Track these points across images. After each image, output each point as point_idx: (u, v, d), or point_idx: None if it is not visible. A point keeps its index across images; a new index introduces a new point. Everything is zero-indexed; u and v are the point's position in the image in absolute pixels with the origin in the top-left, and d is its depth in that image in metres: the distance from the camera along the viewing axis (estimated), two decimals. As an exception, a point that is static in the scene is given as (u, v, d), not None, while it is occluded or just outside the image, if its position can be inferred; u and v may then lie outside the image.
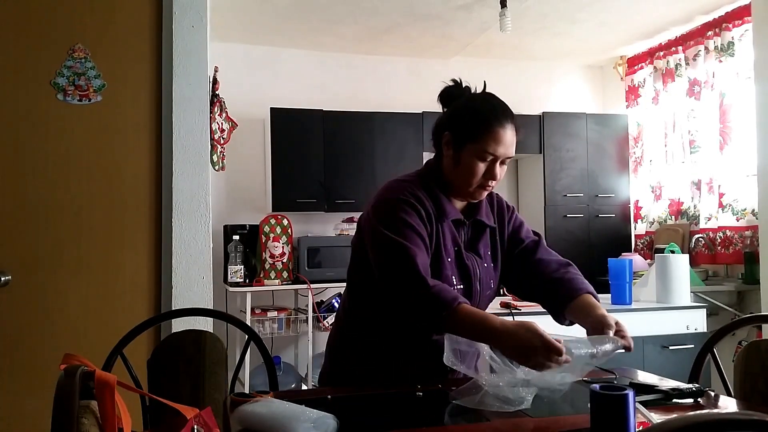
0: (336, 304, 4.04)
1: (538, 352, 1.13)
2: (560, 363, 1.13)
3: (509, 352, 1.17)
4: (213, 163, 2.43)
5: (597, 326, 1.32)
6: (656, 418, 1.07)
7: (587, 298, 1.46)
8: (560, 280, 1.48)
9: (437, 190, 1.46)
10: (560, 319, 1.49)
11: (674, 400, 1.24)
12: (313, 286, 3.91)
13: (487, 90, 1.51)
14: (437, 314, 1.25)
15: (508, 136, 1.41)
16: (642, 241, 4.68)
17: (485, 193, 1.46)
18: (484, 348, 1.19)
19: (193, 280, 2.20)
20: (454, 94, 1.50)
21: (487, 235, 1.53)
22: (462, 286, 1.44)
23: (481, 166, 1.40)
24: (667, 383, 1.33)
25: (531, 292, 1.55)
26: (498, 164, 1.42)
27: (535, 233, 1.61)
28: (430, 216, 1.41)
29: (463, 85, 1.51)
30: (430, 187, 1.46)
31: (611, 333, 1.28)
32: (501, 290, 2.99)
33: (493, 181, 1.43)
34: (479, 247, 1.50)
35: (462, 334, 1.23)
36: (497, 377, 1.16)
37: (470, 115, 1.43)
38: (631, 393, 0.87)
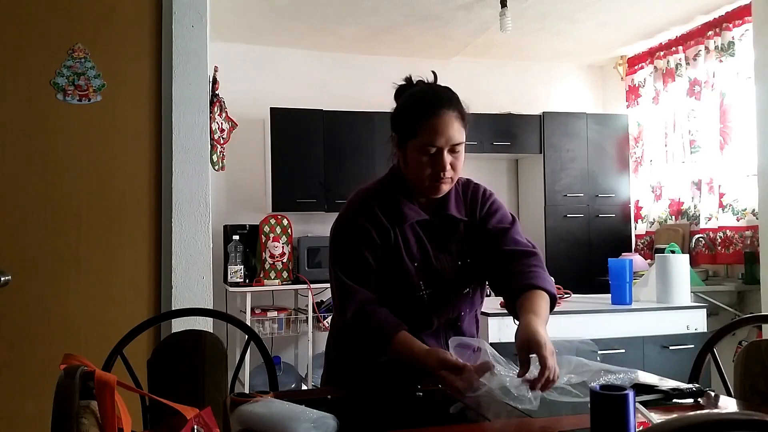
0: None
1: (439, 375, 1.20)
2: (464, 383, 1.16)
3: (432, 373, 1.23)
4: (213, 163, 2.43)
5: (523, 341, 1.19)
6: (656, 418, 1.07)
7: (531, 297, 1.33)
8: (514, 273, 1.39)
9: (399, 194, 1.44)
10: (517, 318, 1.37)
11: (674, 401, 1.24)
12: (313, 286, 3.91)
13: (434, 85, 1.45)
14: (380, 346, 1.33)
15: (446, 123, 1.35)
16: (642, 241, 4.68)
17: (444, 186, 1.40)
18: (486, 345, 1.19)
19: (193, 280, 2.20)
20: (404, 92, 1.47)
21: (461, 230, 1.47)
22: (431, 290, 1.42)
23: (426, 160, 1.37)
24: (667, 383, 1.33)
25: (495, 286, 1.49)
26: (446, 153, 1.36)
27: (513, 217, 1.53)
28: (384, 228, 1.41)
29: (414, 81, 1.47)
30: (391, 193, 1.45)
31: (530, 361, 1.16)
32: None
33: (445, 172, 1.37)
34: (451, 246, 1.46)
35: (397, 355, 1.32)
36: (496, 378, 1.16)
37: (404, 112, 1.42)
38: (631, 393, 0.87)
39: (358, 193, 1.49)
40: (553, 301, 1.38)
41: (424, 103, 1.38)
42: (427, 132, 1.35)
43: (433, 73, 1.49)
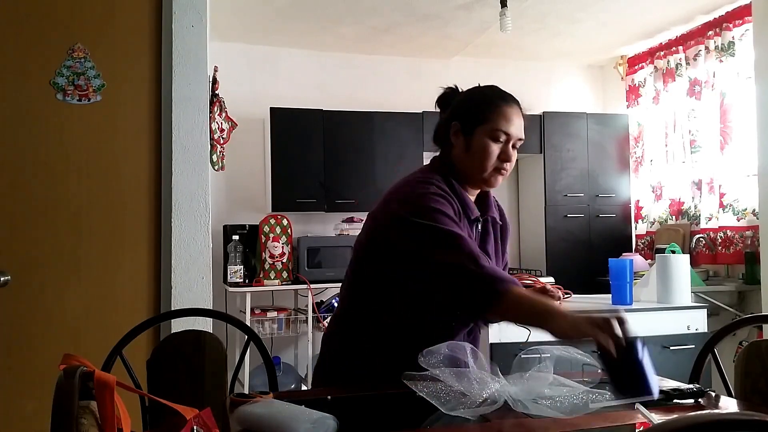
0: (336, 305, 4.03)
1: (598, 322, 1.14)
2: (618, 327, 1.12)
3: (571, 328, 1.17)
4: (212, 163, 2.43)
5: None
6: (657, 418, 1.07)
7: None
8: None
9: (457, 184, 1.44)
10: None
11: (675, 401, 1.24)
12: (312, 286, 3.91)
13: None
14: (493, 291, 1.22)
15: (517, 115, 1.42)
16: (642, 241, 4.68)
17: (501, 179, 1.44)
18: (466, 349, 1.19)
19: (193, 280, 2.20)
20: (451, 97, 1.52)
21: (495, 234, 1.53)
22: None
23: (495, 147, 1.40)
24: (668, 383, 1.33)
25: None
26: (511, 146, 1.42)
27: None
28: (457, 210, 1.39)
29: (460, 90, 1.53)
30: (451, 181, 1.43)
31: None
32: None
33: (508, 164, 1.42)
34: (488, 246, 1.49)
35: (518, 313, 1.24)
36: (473, 384, 1.15)
37: (477, 100, 1.45)
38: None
39: (417, 176, 1.43)
40: None
41: (501, 93, 1.45)
42: (501, 118, 1.40)
43: (478, 84, 1.55)
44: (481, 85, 1.52)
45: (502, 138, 1.40)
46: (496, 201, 1.59)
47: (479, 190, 1.50)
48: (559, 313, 1.20)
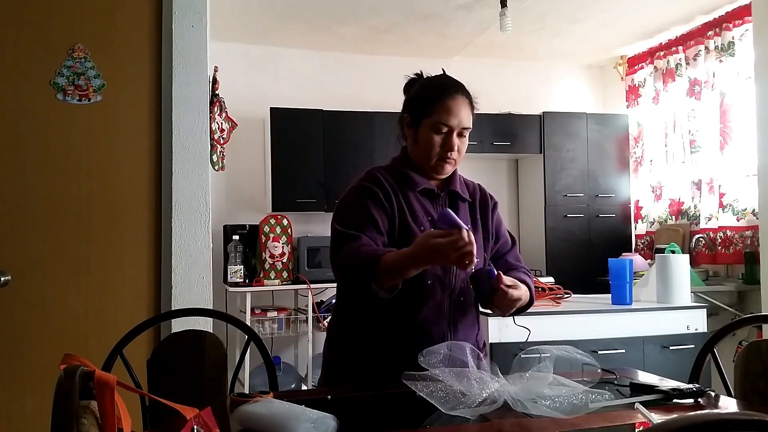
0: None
1: (441, 246, 1.22)
2: (466, 244, 1.21)
3: (428, 260, 1.27)
4: (213, 163, 2.43)
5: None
6: (656, 418, 1.07)
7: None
8: (510, 272, 1.56)
9: (406, 167, 1.53)
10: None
11: (674, 401, 1.24)
12: (313, 286, 3.91)
13: (449, 75, 1.56)
14: (370, 272, 1.29)
15: (460, 106, 1.46)
16: (642, 241, 4.68)
17: (448, 167, 1.50)
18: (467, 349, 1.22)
19: (193, 280, 2.20)
20: (414, 84, 1.57)
21: (466, 210, 1.56)
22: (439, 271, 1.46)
23: (437, 138, 1.47)
24: (668, 383, 1.33)
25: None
26: (455, 136, 1.47)
27: (512, 236, 1.67)
28: (389, 192, 1.47)
29: (424, 76, 1.57)
30: (399, 166, 1.54)
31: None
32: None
33: (452, 153, 1.47)
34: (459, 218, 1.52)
35: (391, 273, 1.29)
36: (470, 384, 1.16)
37: (422, 93, 1.51)
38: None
39: (367, 172, 1.56)
40: (529, 305, 1.53)
41: (441, 85, 1.50)
42: (442, 111, 1.46)
43: (443, 69, 1.59)
44: (431, 75, 1.56)
45: (444, 129, 1.46)
46: (478, 186, 1.64)
47: (445, 176, 1.55)
48: (415, 253, 1.27)
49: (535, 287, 2.83)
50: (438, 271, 1.45)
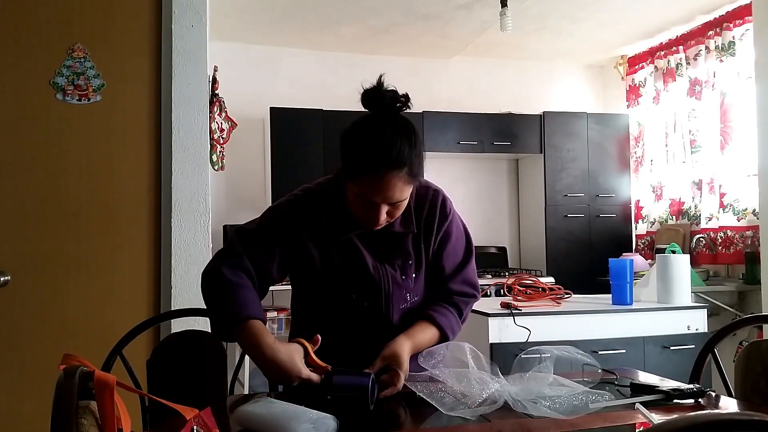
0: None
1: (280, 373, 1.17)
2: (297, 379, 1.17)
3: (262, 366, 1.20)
4: (212, 163, 2.43)
5: (386, 355, 1.27)
6: (657, 418, 1.07)
7: (420, 325, 1.36)
8: (433, 300, 1.42)
9: (336, 206, 1.35)
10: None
11: (675, 401, 1.24)
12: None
13: (388, 126, 1.26)
14: (231, 330, 1.26)
15: (387, 184, 1.21)
16: (643, 241, 4.68)
17: (380, 227, 1.30)
18: (467, 348, 1.20)
19: (193, 280, 2.20)
20: (370, 100, 1.30)
21: (408, 242, 1.38)
22: (366, 303, 1.36)
23: (362, 206, 1.27)
24: (668, 384, 1.33)
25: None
26: (382, 208, 1.25)
27: (467, 252, 1.46)
28: (295, 229, 1.35)
29: (384, 88, 1.28)
30: (332, 201, 1.35)
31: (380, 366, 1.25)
32: (501, 290, 2.99)
33: (380, 223, 1.28)
34: (395, 260, 1.37)
35: (241, 346, 1.24)
36: (470, 385, 1.15)
37: (349, 152, 1.26)
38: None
39: (305, 189, 1.40)
40: (443, 341, 1.37)
41: (372, 155, 1.21)
42: (366, 187, 1.23)
43: (379, 78, 1.29)
44: (372, 118, 1.28)
45: (368, 202, 1.25)
46: (431, 198, 1.41)
47: None
48: (260, 347, 1.19)
49: (535, 287, 2.84)
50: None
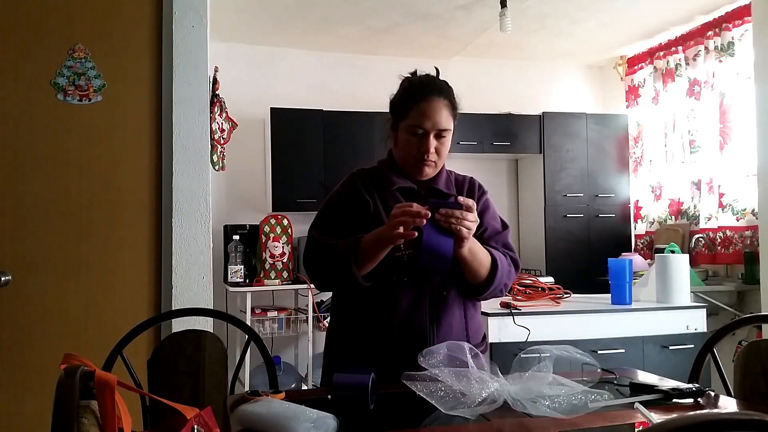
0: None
1: (394, 218, 1.29)
2: (412, 215, 1.27)
3: (384, 233, 1.33)
4: (213, 163, 2.43)
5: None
6: (656, 418, 1.07)
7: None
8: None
9: (388, 169, 1.55)
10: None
11: (674, 400, 1.24)
12: (313, 286, 3.91)
13: (432, 75, 1.54)
14: (347, 261, 1.37)
15: (435, 109, 1.45)
16: (642, 241, 4.68)
17: (428, 170, 1.50)
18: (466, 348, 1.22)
19: (193, 280, 2.20)
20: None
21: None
22: (411, 251, 1.45)
23: (414, 141, 1.47)
24: (667, 383, 1.34)
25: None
26: (432, 138, 1.46)
27: (504, 224, 1.62)
28: (364, 196, 1.50)
29: (418, 74, 1.56)
30: (381, 167, 1.56)
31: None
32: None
33: (430, 155, 1.47)
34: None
35: (368, 258, 1.36)
36: (469, 384, 1.16)
37: (400, 95, 1.53)
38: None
39: (351, 172, 1.60)
40: (491, 276, 1.46)
41: (418, 87, 1.49)
42: (417, 114, 1.46)
43: (436, 69, 1.57)
44: (416, 76, 1.54)
45: (419, 131, 1.46)
46: (469, 179, 1.63)
47: (427, 178, 1.54)
48: (378, 232, 1.34)
49: (535, 287, 2.85)
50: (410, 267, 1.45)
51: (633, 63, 4.85)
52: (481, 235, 1.55)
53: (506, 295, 2.84)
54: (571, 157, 4.66)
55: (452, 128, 1.50)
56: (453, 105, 1.49)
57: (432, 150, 1.47)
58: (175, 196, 2.21)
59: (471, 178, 1.65)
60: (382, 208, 1.49)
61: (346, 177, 1.59)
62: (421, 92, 1.47)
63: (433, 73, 1.56)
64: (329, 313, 1.64)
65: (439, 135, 1.47)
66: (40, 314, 2.10)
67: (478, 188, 1.63)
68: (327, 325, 3.95)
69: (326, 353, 1.60)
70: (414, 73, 1.56)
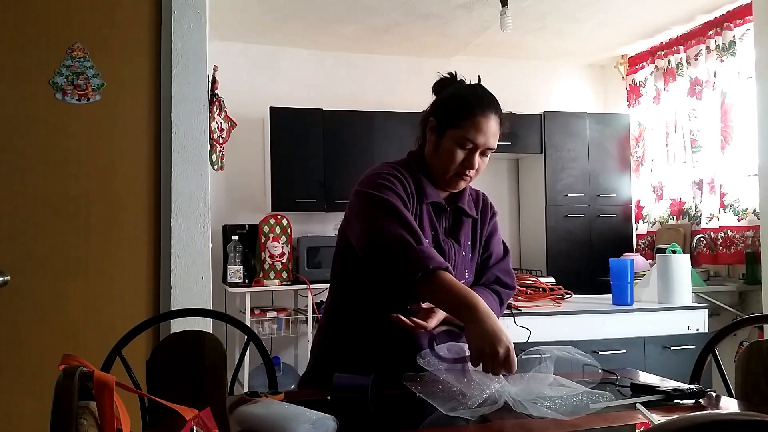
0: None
1: (497, 352, 1.14)
2: (501, 374, 1.16)
3: (475, 333, 1.17)
4: (212, 163, 2.43)
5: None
6: (657, 418, 1.06)
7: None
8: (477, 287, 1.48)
9: (419, 173, 1.47)
10: None
11: (675, 401, 1.24)
12: (312, 286, 3.91)
13: (485, 87, 1.50)
14: (420, 268, 1.23)
15: (491, 126, 1.40)
16: (643, 241, 4.67)
17: (462, 184, 1.46)
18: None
19: (192, 280, 2.20)
20: (446, 85, 1.51)
21: (469, 226, 1.53)
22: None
23: (460, 153, 1.40)
24: (669, 384, 1.33)
25: None
26: (478, 154, 1.41)
27: (506, 249, 1.60)
28: (410, 194, 1.42)
29: (458, 78, 1.51)
30: (413, 170, 1.47)
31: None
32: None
33: (471, 171, 1.42)
34: (460, 235, 1.49)
35: (438, 297, 1.24)
36: (471, 386, 1.15)
37: (454, 102, 1.44)
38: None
39: (385, 163, 1.48)
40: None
41: (479, 99, 1.42)
42: (471, 127, 1.39)
43: (479, 78, 1.53)
44: (468, 83, 1.50)
45: (469, 146, 1.40)
46: (482, 196, 1.60)
47: (452, 190, 1.49)
48: (483, 312, 1.19)
49: (536, 287, 2.84)
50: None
51: (634, 62, 4.85)
52: (485, 261, 1.55)
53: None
54: (572, 156, 4.65)
55: (496, 148, 1.47)
56: (502, 123, 1.45)
57: (476, 167, 1.42)
58: (174, 195, 2.20)
59: (483, 195, 1.62)
60: (418, 216, 1.43)
61: (390, 167, 1.45)
62: (481, 104, 1.41)
63: (478, 79, 1.52)
64: (324, 310, 1.59)
65: (483, 152, 1.43)
66: (38, 315, 2.10)
67: (491, 208, 1.60)
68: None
69: (318, 349, 1.54)
70: (453, 76, 1.51)
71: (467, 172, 1.42)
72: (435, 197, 1.46)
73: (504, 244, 1.61)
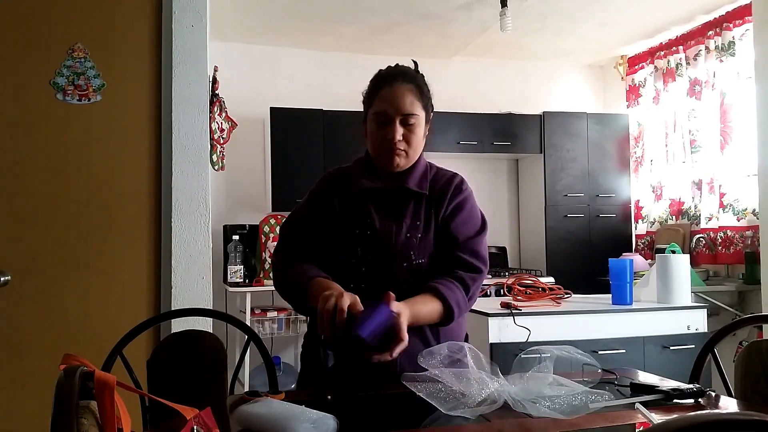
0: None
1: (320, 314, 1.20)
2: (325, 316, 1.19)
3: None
4: (212, 163, 2.43)
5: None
6: (657, 418, 1.07)
7: (424, 297, 1.36)
8: (440, 273, 1.42)
9: (357, 167, 1.53)
10: None
11: (675, 401, 1.24)
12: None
13: (400, 65, 1.52)
14: (299, 293, 1.37)
15: (398, 93, 1.41)
16: (643, 241, 4.68)
17: (398, 159, 1.44)
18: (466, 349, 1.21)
19: (193, 280, 2.20)
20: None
21: (420, 205, 1.47)
22: (369, 257, 1.41)
23: (380, 130, 1.43)
24: (668, 383, 1.33)
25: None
26: (398, 124, 1.41)
27: (482, 227, 1.49)
28: (328, 200, 1.50)
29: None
30: (354, 166, 1.55)
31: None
32: (501, 290, 2.99)
33: (401, 143, 1.41)
34: (404, 219, 1.45)
35: (314, 303, 1.27)
36: (470, 385, 1.15)
37: (367, 87, 1.50)
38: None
39: (324, 174, 1.61)
40: (448, 317, 1.38)
41: (385, 74, 1.46)
42: (379, 100, 1.43)
43: (414, 62, 1.55)
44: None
45: (383, 118, 1.42)
46: (449, 176, 1.52)
47: (400, 170, 1.47)
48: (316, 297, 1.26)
49: (535, 287, 2.84)
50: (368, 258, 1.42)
51: (633, 62, 4.85)
52: (448, 246, 1.46)
53: (506, 295, 2.84)
54: (571, 156, 4.66)
55: (422, 116, 1.43)
56: (421, 91, 1.43)
57: (399, 137, 1.40)
58: (175, 195, 2.20)
59: (454, 176, 1.53)
60: (347, 211, 1.46)
61: (322, 175, 1.58)
62: (384, 79, 1.44)
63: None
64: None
65: (406, 122, 1.41)
66: (39, 314, 2.10)
67: (454, 188, 1.49)
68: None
69: (303, 354, 1.59)
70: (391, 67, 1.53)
71: (397, 146, 1.42)
72: (369, 185, 1.48)
73: (482, 220, 1.51)
